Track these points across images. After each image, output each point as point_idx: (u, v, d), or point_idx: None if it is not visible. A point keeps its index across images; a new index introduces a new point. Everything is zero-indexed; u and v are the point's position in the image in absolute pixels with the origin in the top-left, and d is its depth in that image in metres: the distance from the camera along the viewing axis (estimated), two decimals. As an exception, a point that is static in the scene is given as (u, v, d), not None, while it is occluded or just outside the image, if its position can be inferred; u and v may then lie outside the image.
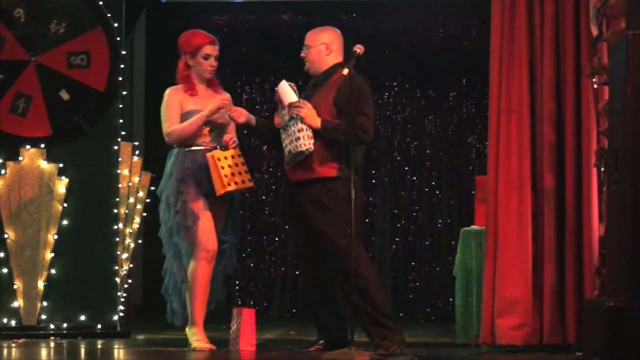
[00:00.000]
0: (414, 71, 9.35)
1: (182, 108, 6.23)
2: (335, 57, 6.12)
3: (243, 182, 6.14)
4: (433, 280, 9.21)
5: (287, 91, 6.07)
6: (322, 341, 6.12)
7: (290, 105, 5.97)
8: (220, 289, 6.35)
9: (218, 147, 6.19)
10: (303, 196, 6.00)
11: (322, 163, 5.93)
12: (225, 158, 6.12)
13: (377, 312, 5.84)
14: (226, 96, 6.29)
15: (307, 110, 5.90)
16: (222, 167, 6.09)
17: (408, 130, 9.37)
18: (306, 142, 5.87)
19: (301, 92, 6.15)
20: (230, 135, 6.25)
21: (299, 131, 5.90)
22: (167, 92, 6.32)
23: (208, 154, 6.13)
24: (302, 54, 6.14)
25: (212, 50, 6.28)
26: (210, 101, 6.20)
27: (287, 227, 9.02)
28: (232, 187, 6.09)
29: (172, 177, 6.19)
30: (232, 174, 6.11)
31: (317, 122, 5.90)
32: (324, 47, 6.09)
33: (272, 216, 9.44)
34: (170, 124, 6.22)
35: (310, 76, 6.22)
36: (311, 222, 5.97)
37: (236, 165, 6.14)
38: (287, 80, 6.15)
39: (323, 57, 6.09)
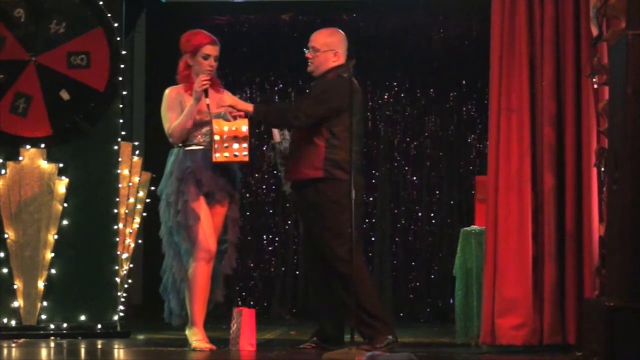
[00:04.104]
0: (414, 71, 9.35)
1: (182, 107, 6.21)
2: (338, 61, 6.15)
3: (235, 155, 6.07)
4: (433, 280, 9.21)
5: (274, 131, 6.39)
6: (314, 338, 6.17)
7: (272, 145, 6.37)
8: (219, 289, 6.33)
9: (225, 116, 6.16)
10: (297, 196, 6.23)
11: (309, 164, 6.04)
12: (225, 129, 6.07)
13: (362, 311, 5.87)
14: (227, 94, 6.28)
15: (232, 102, 6.16)
16: (216, 136, 6.06)
17: (408, 130, 9.37)
18: (285, 184, 6.36)
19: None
20: (238, 108, 6.20)
21: (280, 172, 6.39)
22: (167, 92, 6.30)
23: (213, 120, 6.11)
24: (308, 55, 6.17)
25: (211, 50, 6.26)
26: (211, 101, 6.18)
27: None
28: (220, 158, 6.05)
29: (172, 176, 6.18)
30: (225, 146, 6.06)
31: (247, 106, 6.16)
32: (332, 54, 6.14)
33: (272, 216, 9.44)
34: (171, 123, 6.20)
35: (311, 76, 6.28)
36: (304, 222, 6.19)
37: (234, 137, 6.07)
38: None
39: (330, 63, 6.13)
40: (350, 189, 5.62)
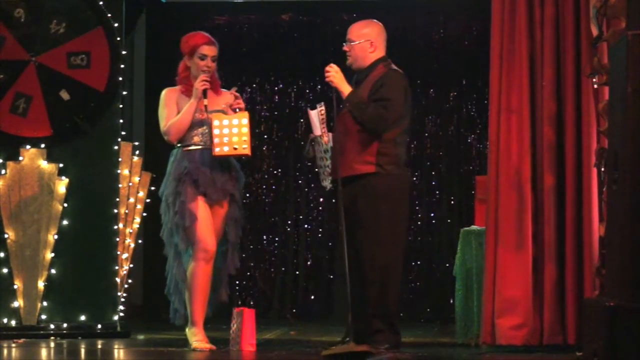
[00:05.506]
0: (413, 71, 9.32)
1: (178, 107, 6.22)
2: (378, 52, 6.05)
3: (235, 148, 6.07)
4: (433, 280, 9.19)
5: (313, 121, 6.11)
6: (348, 339, 6.06)
7: (312, 139, 6.10)
8: (222, 289, 6.33)
9: (224, 110, 6.14)
10: (346, 193, 5.88)
11: (360, 159, 5.87)
12: (225, 122, 6.06)
13: (381, 313, 5.83)
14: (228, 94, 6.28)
15: (335, 73, 5.89)
16: (216, 130, 6.06)
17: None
18: (325, 179, 6.08)
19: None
20: (238, 102, 6.20)
21: (319, 167, 6.10)
22: (163, 92, 6.32)
23: (211, 115, 6.11)
24: (345, 48, 6.06)
25: (208, 50, 6.25)
26: (210, 101, 6.18)
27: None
28: (220, 152, 6.05)
29: (170, 177, 6.20)
30: (225, 139, 6.05)
31: (345, 89, 5.89)
32: (369, 44, 6.02)
33: (272, 216, 9.43)
34: (167, 122, 6.21)
35: (350, 70, 6.12)
36: (349, 219, 5.85)
37: (234, 131, 6.07)
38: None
39: (367, 54, 6.01)
40: (406, 183, 5.70)
